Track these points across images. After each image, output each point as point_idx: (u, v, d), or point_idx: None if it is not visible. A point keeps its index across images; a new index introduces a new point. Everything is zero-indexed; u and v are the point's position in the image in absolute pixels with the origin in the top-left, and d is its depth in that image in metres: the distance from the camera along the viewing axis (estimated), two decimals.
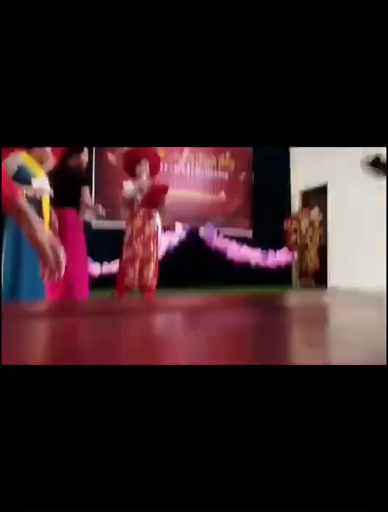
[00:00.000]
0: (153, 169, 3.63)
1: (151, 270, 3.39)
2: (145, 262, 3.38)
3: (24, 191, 2.23)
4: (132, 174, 3.54)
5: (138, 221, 3.40)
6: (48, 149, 2.46)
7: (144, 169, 3.49)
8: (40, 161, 2.44)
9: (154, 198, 3.45)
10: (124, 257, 3.42)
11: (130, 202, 3.45)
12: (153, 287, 3.42)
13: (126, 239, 3.43)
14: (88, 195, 3.02)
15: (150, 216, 3.44)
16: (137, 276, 3.34)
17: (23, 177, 2.28)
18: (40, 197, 2.35)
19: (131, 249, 3.37)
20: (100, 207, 3.06)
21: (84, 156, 3.01)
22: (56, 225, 2.58)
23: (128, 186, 3.45)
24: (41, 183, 2.36)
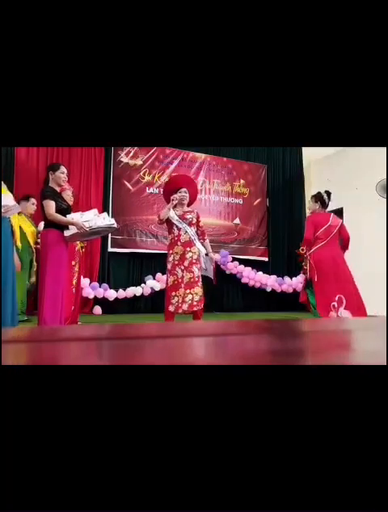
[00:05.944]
0: (193, 198, 3.79)
1: (197, 295, 3.42)
2: (189, 287, 3.40)
3: None
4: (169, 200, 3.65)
5: (179, 248, 3.47)
6: None
7: (185, 195, 3.61)
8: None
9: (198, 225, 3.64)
10: (168, 284, 3.47)
11: (170, 226, 3.54)
12: (201, 310, 3.45)
13: (169, 266, 3.49)
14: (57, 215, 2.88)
15: (191, 244, 3.51)
16: (181, 301, 3.38)
17: None
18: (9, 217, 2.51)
19: (174, 276, 3.43)
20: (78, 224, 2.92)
21: (60, 173, 2.93)
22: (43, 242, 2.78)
23: (167, 211, 3.53)
24: (6, 201, 2.47)
